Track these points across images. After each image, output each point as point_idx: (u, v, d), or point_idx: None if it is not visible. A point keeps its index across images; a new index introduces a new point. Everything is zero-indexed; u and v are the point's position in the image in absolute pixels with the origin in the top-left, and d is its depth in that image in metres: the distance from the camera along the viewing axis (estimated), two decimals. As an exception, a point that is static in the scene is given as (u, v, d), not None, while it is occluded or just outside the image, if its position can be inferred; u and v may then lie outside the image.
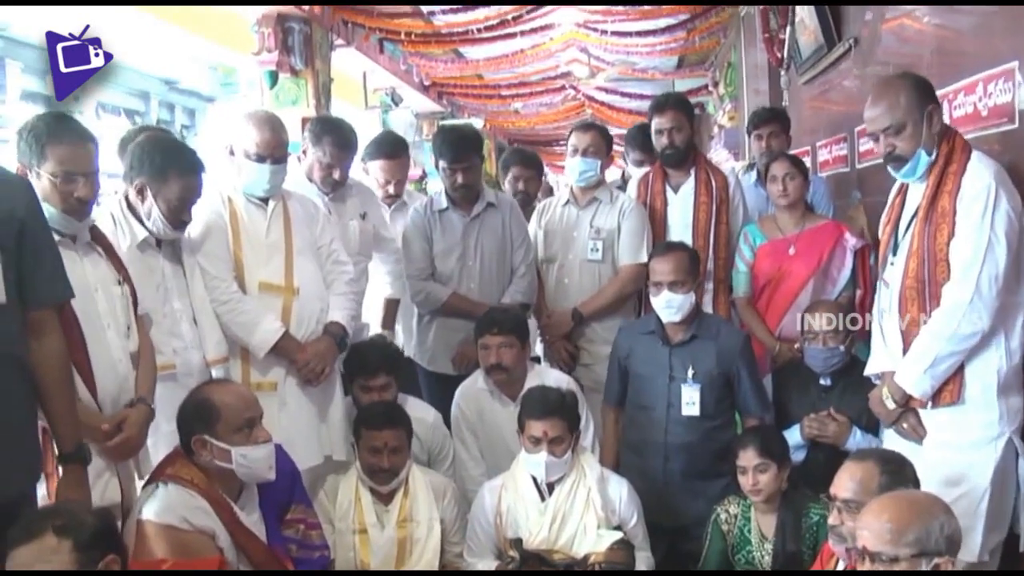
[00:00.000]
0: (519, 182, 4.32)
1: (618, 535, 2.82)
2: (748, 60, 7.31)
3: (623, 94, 10.42)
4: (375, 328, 3.82)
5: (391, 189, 4.00)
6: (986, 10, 2.82)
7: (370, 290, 3.72)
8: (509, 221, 3.64)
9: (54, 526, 1.82)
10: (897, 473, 2.13)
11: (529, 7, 6.88)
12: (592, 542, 2.80)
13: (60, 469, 2.16)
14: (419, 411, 3.23)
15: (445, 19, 7.28)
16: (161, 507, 2.27)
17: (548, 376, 3.29)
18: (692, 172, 3.74)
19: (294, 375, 2.95)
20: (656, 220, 3.71)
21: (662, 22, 7.46)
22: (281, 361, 2.93)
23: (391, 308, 3.91)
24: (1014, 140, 2.61)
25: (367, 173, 4.02)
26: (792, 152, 4.17)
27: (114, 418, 2.33)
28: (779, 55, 5.73)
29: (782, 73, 5.93)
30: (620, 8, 7.09)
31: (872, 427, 2.93)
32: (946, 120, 2.64)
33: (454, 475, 3.25)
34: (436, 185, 6.84)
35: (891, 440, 2.63)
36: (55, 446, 2.17)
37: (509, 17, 7.02)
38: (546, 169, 9.92)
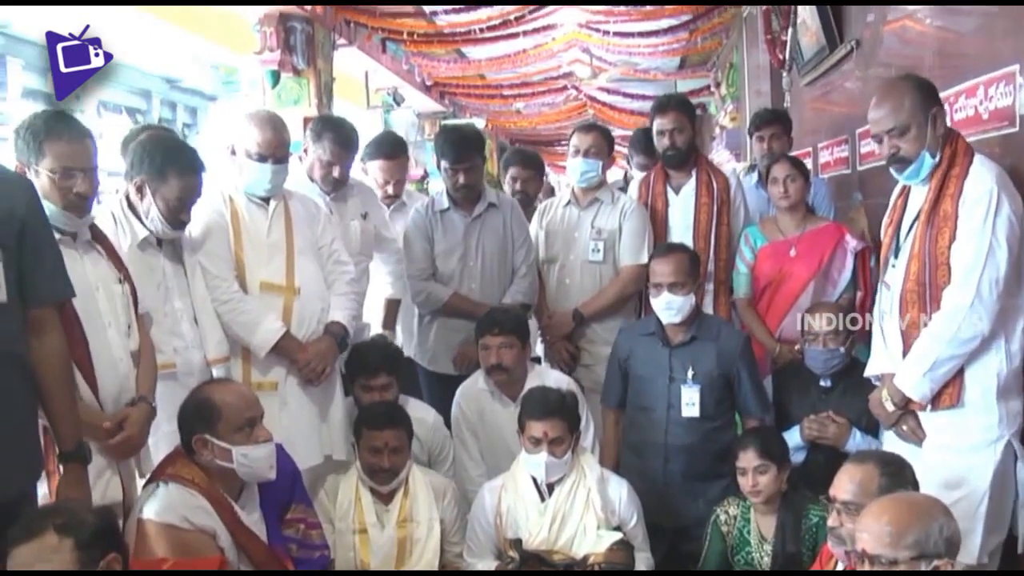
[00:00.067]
0: (517, 182, 4.32)
1: (618, 536, 2.82)
2: (750, 61, 7.31)
3: (625, 94, 10.42)
4: (376, 328, 3.82)
5: (390, 189, 4.00)
6: (987, 13, 2.82)
7: (371, 290, 3.72)
8: (510, 221, 3.64)
9: (55, 525, 1.82)
10: (897, 475, 2.13)
11: (531, 7, 6.89)
12: (592, 543, 2.81)
13: (61, 468, 2.16)
14: (419, 412, 3.23)
15: (447, 19, 7.29)
16: (162, 506, 2.27)
17: (548, 377, 3.29)
18: (693, 173, 3.74)
19: (295, 375, 2.95)
20: (657, 221, 3.71)
21: (664, 23, 7.46)
22: (282, 361, 2.93)
23: (392, 308, 3.91)
24: (1014, 143, 2.61)
25: (366, 173, 4.03)
26: (793, 154, 4.17)
27: (115, 416, 2.33)
28: (781, 56, 5.74)
29: (784, 74, 5.93)
30: (622, 8, 7.09)
31: (872, 429, 2.93)
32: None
33: (454, 476, 3.25)
34: (437, 185, 6.84)
35: (891, 442, 2.63)
36: (56, 445, 2.18)
37: (511, 17, 7.02)
38: (547, 169, 9.93)
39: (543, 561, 2.82)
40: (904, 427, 2.54)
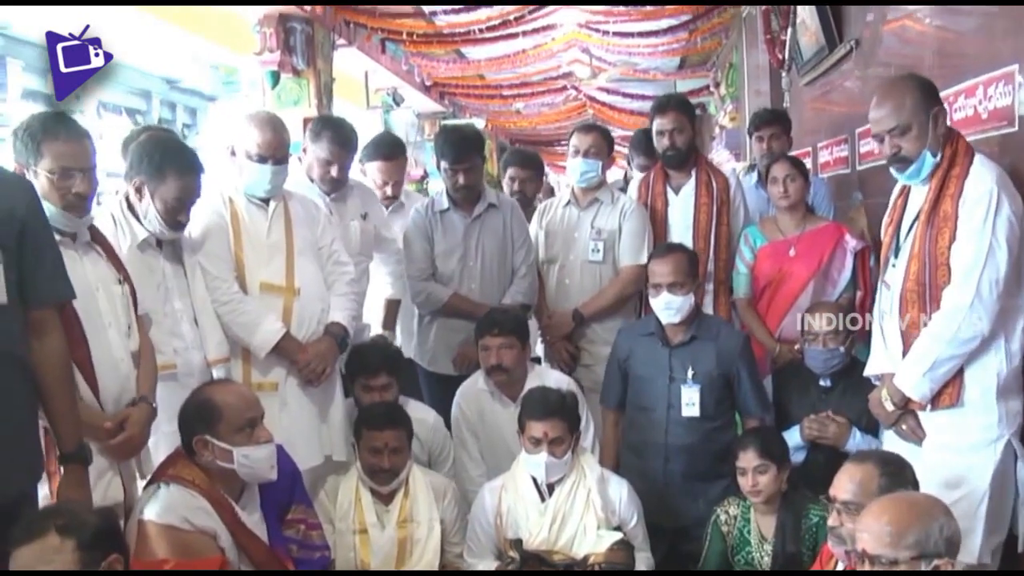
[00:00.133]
0: (515, 183, 4.32)
1: (618, 536, 2.83)
2: (749, 61, 7.32)
3: (625, 95, 10.42)
4: (376, 329, 3.82)
5: (388, 190, 4.00)
6: (987, 12, 2.82)
7: (371, 291, 3.73)
8: (510, 222, 3.64)
9: (57, 526, 1.82)
10: (897, 475, 2.13)
11: (531, 7, 6.88)
12: (592, 543, 2.81)
13: (61, 469, 2.16)
14: (419, 412, 3.23)
15: (447, 19, 7.28)
16: (162, 507, 2.27)
17: (548, 377, 3.29)
18: (693, 173, 3.74)
19: (295, 375, 2.96)
20: (657, 221, 3.71)
21: (664, 23, 7.46)
22: (282, 361, 2.93)
23: (392, 309, 3.91)
24: (1014, 143, 2.61)
25: (364, 175, 4.03)
26: (793, 153, 4.18)
27: (116, 417, 2.34)
28: (780, 56, 5.74)
29: (783, 74, 5.93)
30: (622, 9, 7.09)
31: (872, 428, 2.93)
32: (946, 122, 2.65)
33: (454, 476, 3.25)
34: (437, 185, 6.84)
35: (891, 442, 2.63)
36: (56, 446, 2.18)
37: (511, 17, 7.02)
38: (547, 169, 9.92)
39: (543, 561, 2.82)
40: (904, 427, 2.54)
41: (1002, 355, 2.39)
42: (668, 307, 3.04)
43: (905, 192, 2.64)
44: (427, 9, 7.05)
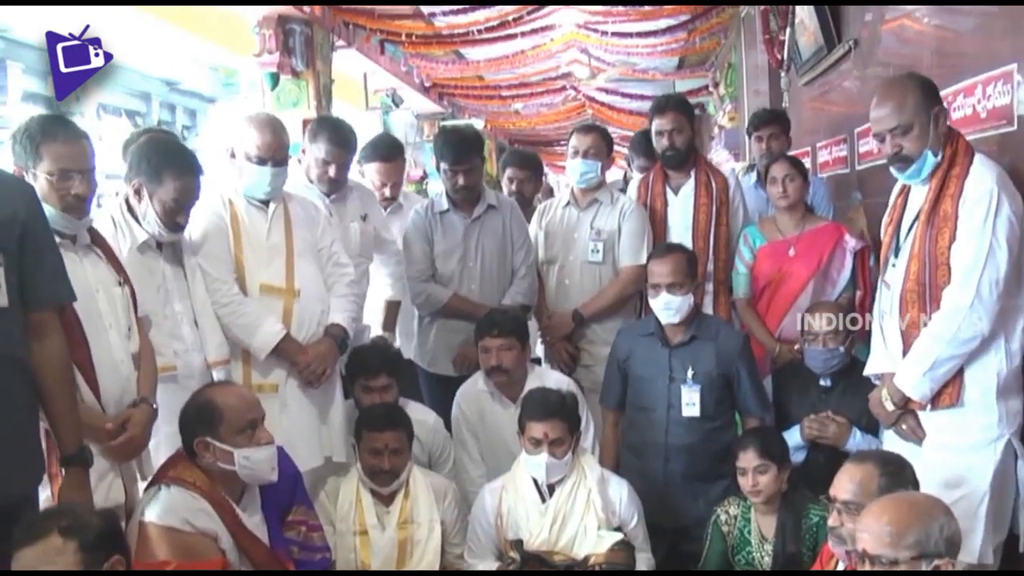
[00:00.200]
0: (514, 183, 4.32)
1: (618, 536, 2.83)
2: (748, 61, 7.32)
3: (624, 95, 10.41)
4: (376, 330, 3.82)
5: (387, 192, 4.00)
6: (985, 12, 2.82)
7: (371, 292, 3.73)
8: (510, 222, 3.64)
9: (59, 527, 1.82)
10: (897, 475, 2.13)
11: (530, 8, 6.88)
12: (592, 543, 2.81)
13: (62, 471, 2.17)
14: (419, 414, 3.24)
15: (446, 20, 7.28)
16: (163, 509, 2.28)
17: (548, 378, 3.29)
18: (692, 174, 3.73)
19: (295, 377, 2.96)
20: (656, 221, 3.71)
21: (663, 23, 7.46)
22: (282, 363, 2.93)
23: (392, 310, 3.91)
24: (1012, 142, 2.61)
25: (363, 176, 4.03)
26: (792, 153, 4.18)
27: (117, 418, 2.34)
28: (779, 56, 5.74)
29: (782, 74, 5.93)
30: (621, 9, 7.08)
31: (872, 428, 2.93)
32: (945, 122, 2.65)
33: (455, 477, 3.25)
34: (437, 186, 6.84)
35: (891, 441, 2.63)
36: (57, 448, 2.18)
37: (510, 18, 7.01)
38: (546, 170, 9.92)
39: (544, 562, 2.82)
40: (904, 426, 2.54)
41: (1002, 355, 2.39)
42: (667, 307, 3.05)
43: (905, 192, 2.64)
44: (426, 10, 7.05)
